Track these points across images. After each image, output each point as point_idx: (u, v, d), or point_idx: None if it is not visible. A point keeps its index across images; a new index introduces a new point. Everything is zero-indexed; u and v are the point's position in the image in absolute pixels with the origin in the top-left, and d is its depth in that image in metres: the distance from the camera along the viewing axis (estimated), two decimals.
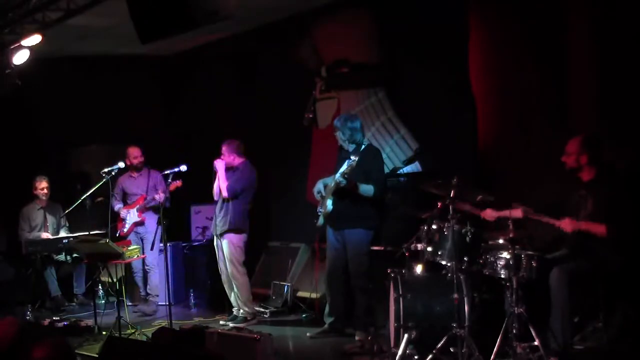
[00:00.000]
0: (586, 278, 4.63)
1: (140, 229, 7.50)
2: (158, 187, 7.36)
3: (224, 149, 6.62)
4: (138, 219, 7.47)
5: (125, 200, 7.63)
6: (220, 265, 6.74)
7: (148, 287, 7.59)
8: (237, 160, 6.62)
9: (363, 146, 5.83)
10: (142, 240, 7.49)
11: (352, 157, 5.45)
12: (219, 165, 6.55)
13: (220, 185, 6.55)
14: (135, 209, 7.47)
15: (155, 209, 7.40)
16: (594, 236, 4.67)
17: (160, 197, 6.94)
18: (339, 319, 5.99)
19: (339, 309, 5.98)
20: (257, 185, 6.72)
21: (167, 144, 8.85)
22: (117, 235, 7.47)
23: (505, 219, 4.79)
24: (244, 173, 6.62)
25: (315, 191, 5.88)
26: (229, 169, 6.60)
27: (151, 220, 7.48)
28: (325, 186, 5.81)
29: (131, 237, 7.48)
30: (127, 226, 7.49)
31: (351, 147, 5.79)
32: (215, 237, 6.76)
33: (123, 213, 7.49)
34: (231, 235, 6.57)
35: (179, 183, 6.81)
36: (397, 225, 6.07)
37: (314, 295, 6.91)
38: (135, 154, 7.52)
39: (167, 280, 6.42)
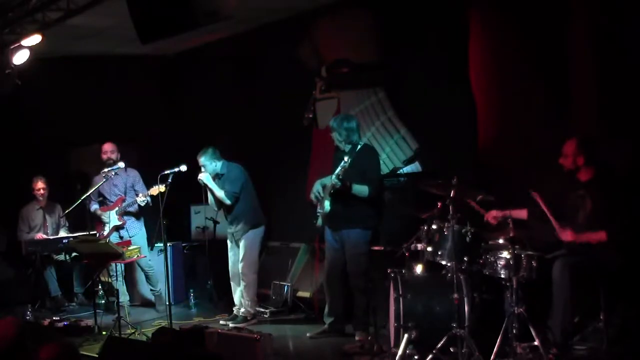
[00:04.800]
0: (587, 275, 4.64)
1: (122, 233, 7.26)
2: (136, 187, 7.22)
3: (202, 159, 6.46)
4: (118, 223, 7.21)
5: (103, 202, 7.37)
6: (230, 263, 6.74)
7: (149, 283, 7.54)
8: (219, 166, 6.56)
9: (359, 146, 5.83)
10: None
11: (345, 159, 5.47)
12: (206, 178, 6.46)
13: (218, 196, 6.50)
14: (114, 212, 7.23)
15: (136, 215, 7.28)
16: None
17: (140, 200, 6.89)
18: (339, 319, 5.99)
19: (338, 309, 5.98)
20: (253, 180, 6.70)
21: (167, 144, 8.84)
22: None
23: (505, 219, 4.80)
24: (232, 173, 6.58)
25: (314, 191, 5.88)
26: (214, 177, 6.54)
27: (133, 224, 7.30)
28: (323, 187, 5.81)
29: (114, 240, 7.16)
30: (107, 229, 7.25)
31: (347, 148, 5.79)
32: (229, 241, 6.74)
33: (104, 217, 7.25)
34: (250, 231, 6.57)
35: (162, 188, 6.39)
36: (397, 225, 6.07)
37: (313, 295, 6.92)
38: (104, 148, 7.22)
39: (167, 280, 6.42)
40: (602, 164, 4.88)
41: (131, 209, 7.23)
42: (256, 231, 6.61)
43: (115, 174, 7.19)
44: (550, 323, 4.65)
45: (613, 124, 5.25)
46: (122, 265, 7.21)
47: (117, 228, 7.24)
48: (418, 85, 6.64)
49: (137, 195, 7.10)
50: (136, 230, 7.33)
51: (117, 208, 7.24)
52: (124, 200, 7.23)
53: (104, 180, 6.89)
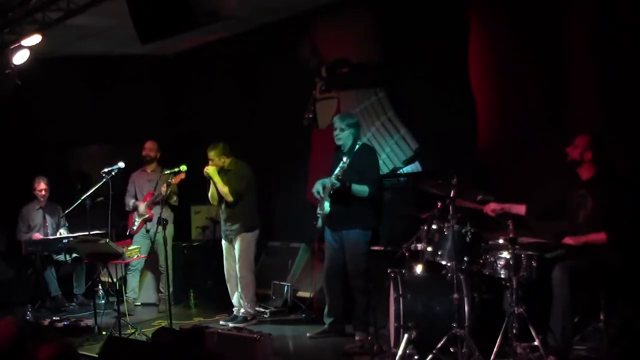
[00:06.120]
0: (587, 277, 4.64)
1: (149, 226, 7.49)
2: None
3: (211, 154, 6.52)
4: (146, 215, 7.48)
5: (137, 197, 7.64)
6: (226, 265, 6.74)
7: (161, 285, 7.58)
8: (227, 162, 6.59)
9: (357, 146, 5.83)
10: (151, 240, 7.44)
11: (344, 159, 5.48)
12: (212, 171, 6.49)
13: (221, 190, 6.51)
14: (144, 205, 7.48)
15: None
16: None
17: (163, 190, 6.96)
18: (339, 319, 5.99)
19: (338, 309, 5.99)
20: (256, 179, 6.71)
21: (167, 144, 8.84)
22: (128, 233, 7.49)
23: (505, 219, 4.79)
24: (240, 171, 6.61)
25: (314, 191, 5.88)
26: (220, 171, 6.57)
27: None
28: (323, 187, 5.81)
29: (140, 235, 7.48)
30: (137, 224, 7.51)
31: (348, 144, 5.77)
32: (224, 239, 6.76)
33: (141, 208, 7.46)
34: (244, 234, 6.58)
35: (182, 175, 6.70)
36: (397, 225, 6.07)
37: (313, 295, 6.92)
38: (146, 146, 7.59)
39: (167, 280, 6.42)
40: (605, 163, 4.88)
41: (159, 200, 7.27)
42: (251, 234, 6.62)
43: (153, 171, 7.58)
44: (550, 324, 4.64)
45: (614, 124, 5.25)
46: (142, 260, 7.49)
47: (145, 221, 7.50)
48: (418, 85, 6.64)
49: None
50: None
51: (146, 202, 7.49)
52: (152, 195, 7.43)
53: (104, 179, 6.87)
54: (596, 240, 4.67)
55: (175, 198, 7.41)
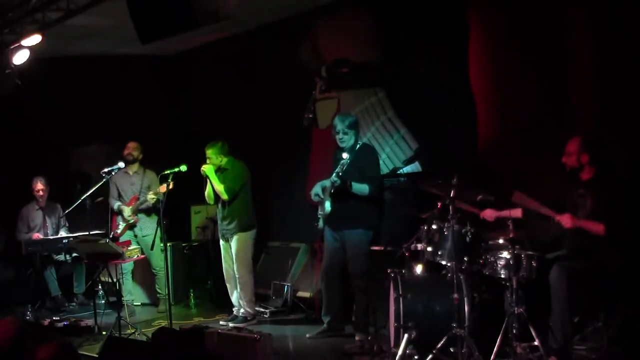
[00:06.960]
0: (586, 277, 4.64)
1: (136, 231, 7.42)
2: (152, 187, 7.25)
3: (209, 152, 6.53)
4: (131, 221, 7.37)
5: (119, 199, 7.51)
6: (225, 265, 6.74)
7: (157, 286, 7.57)
8: (224, 161, 6.60)
9: (358, 145, 5.84)
10: (138, 243, 7.41)
11: (345, 156, 5.48)
12: (208, 170, 6.50)
13: (216, 189, 6.51)
14: (129, 210, 7.36)
15: (147, 212, 7.36)
16: (593, 235, 4.67)
17: (150, 197, 6.95)
18: (337, 317, 5.99)
19: (335, 307, 5.99)
20: (253, 180, 6.71)
21: (167, 144, 8.85)
22: (111, 236, 7.42)
23: (505, 219, 4.79)
24: (236, 170, 6.61)
25: (313, 194, 5.88)
26: (217, 170, 6.57)
27: (146, 222, 7.39)
28: (323, 189, 5.81)
29: (125, 239, 7.39)
30: (121, 228, 7.40)
31: (350, 144, 5.78)
32: (221, 239, 6.76)
33: (126, 212, 7.34)
34: (241, 234, 6.58)
35: (170, 185, 6.41)
36: (397, 225, 6.07)
37: (313, 295, 6.92)
38: (129, 145, 7.44)
39: (167, 280, 6.43)
40: (604, 163, 4.87)
41: (144, 207, 7.29)
42: (248, 233, 6.62)
43: (136, 173, 7.45)
44: (550, 322, 4.65)
45: (614, 124, 5.25)
46: (132, 263, 7.39)
47: (130, 226, 7.38)
48: (418, 85, 6.64)
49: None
50: (150, 230, 7.31)
51: (131, 206, 7.37)
52: (137, 199, 7.35)
53: (103, 180, 6.88)
54: (593, 229, 4.64)
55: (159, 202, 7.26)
